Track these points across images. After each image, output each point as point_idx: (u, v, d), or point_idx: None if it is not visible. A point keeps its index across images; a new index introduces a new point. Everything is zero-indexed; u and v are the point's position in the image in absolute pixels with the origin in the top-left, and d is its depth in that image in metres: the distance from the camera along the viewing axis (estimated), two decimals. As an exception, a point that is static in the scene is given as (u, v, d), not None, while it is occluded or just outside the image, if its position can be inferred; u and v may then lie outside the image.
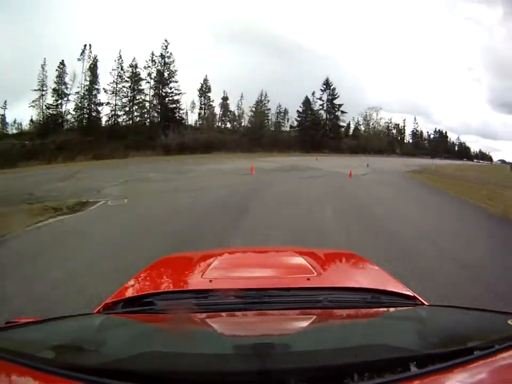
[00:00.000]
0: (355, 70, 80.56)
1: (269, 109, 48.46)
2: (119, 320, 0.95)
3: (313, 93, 48.70)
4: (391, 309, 0.98)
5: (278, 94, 50.92)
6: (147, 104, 40.86)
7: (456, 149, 76.60)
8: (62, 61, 35.94)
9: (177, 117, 41.94)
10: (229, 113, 48.84)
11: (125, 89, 39.56)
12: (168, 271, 1.44)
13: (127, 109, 39.79)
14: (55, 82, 35.83)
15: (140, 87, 40.35)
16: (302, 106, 49.06)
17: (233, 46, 71.29)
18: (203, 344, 0.73)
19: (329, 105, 49.84)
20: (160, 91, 40.96)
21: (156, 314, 0.95)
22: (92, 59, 37.10)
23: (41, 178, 13.70)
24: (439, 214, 7.67)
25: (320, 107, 49.93)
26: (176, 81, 41.41)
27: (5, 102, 35.09)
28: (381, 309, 0.97)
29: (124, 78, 39.42)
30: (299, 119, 49.51)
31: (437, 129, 73.37)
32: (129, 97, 39.78)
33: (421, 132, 65.08)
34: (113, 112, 39.24)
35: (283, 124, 50.78)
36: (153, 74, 40.66)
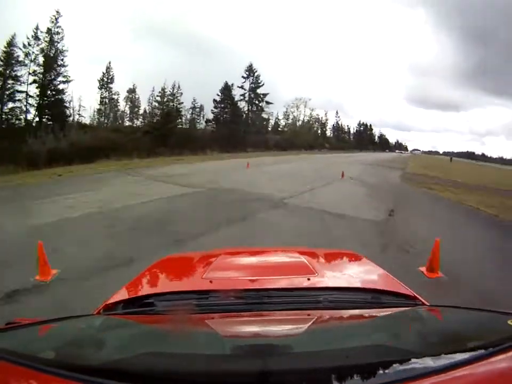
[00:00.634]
0: (275, 68, 77.94)
1: (182, 103, 37.46)
2: (119, 321, 0.94)
3: (231, 85, 39.44)
4: (392, 309, 0.98)
5: (195, 90, 41.48)
6: (21, 95, 26.09)
7: (377, 141, 79.37)
8: None
9: (63, 112, 28.22)
10: (136, 109, 37.41)
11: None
12: (168, 272, 1.41)
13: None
14: None
15: (15, 72, 25.54)
16: (220, 94, 38.92)
17: (152, 41, 62.06)
18: (203, 345, 0.74)
19: (253, 95, 40.94)
20: (43, 78, 26.59)
21: (156, 315, 0.95)
22: None
23: None
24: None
25: (242, 97, 40.73)
26: (64, 65, 27.56)
27: None
28: (381, 309, 0.97)
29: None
30: (216, 110, 39.33)
31: (361, 122, 74.29)
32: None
33: (342, 126, 64.76)
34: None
35: (198, 121, 40.85)
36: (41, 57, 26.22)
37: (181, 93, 36.61)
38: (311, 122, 52.84)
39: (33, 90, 26.48)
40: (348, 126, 67.98)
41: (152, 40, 63.32)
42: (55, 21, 26.89)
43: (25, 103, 26.50)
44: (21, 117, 26.78)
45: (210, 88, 42.92)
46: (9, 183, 11.51)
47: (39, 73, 26.43)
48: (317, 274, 1.15)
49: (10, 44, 25.27)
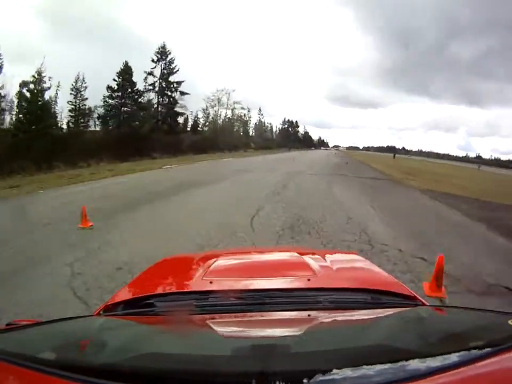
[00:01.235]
0: (194, 67, 74.93)
1: (87, 99, 27.06)
2: (119, 321, 0.95)
3: (146, 76, 30.01)
4: (392, 310, 0.97)
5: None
6: None
7: (302, 138, 79.06)
8: None
9: None
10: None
11: None
12: (168, 273, 1.42)
13: None
14: None
15: None
16: (118, 78, 28.58)
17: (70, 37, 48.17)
18: (203, 346, 0.74)
19: (164, 84, 32.37)
20: None
21: (157, 315, 0.96)
22: None
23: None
24: None
25: (151, 87, 31.74)
26: None
27: None
28: (381, 310, 0.97)
29: None
30: (111, 102, 28.68)
31: (286, 119, 71.96)
32: None
33: (265, 124, 63.74)
34: None
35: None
36: None
37: (85, 87, 26.61)
38: (235, 117, 46.63)
39: None
40: (270, 124, 67.03)
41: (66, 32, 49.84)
42: None
43: None
44: None
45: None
46: None
47: None
48: (317, 274, 1.15)
49: None
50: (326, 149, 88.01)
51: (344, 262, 1.53)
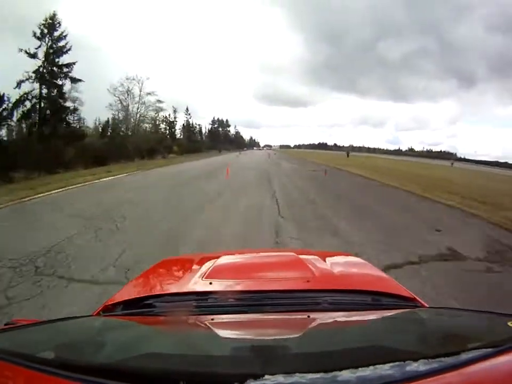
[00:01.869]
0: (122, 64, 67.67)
1: None
2: (118, 322, 0.94)
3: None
4: (391, 311, 0.98)
5: None
6: None
7: (233, 139, 74.76)
8: None
9: None
10: None
11: None
12: (168, 274, 1.41)
13: None
14: None
15: None
16: None
17: None
18: (202, 347, 0.74)
19: (49, 67, 23.23)
20: None
21: (156, 316, 0.95)
22: None
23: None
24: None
25: (29, 76, 22.07)
26: None
27: None
28: (381, 311, 0.97)
29: None
30: None
31: (216, 118, 66.46)
32: None
33: (193, 125, 59.95)
34: None
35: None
36: None
37: None
38: (160, 118, 38.63)
39: None
40: (199, 125, 64.53)
41: None
42: None
43: None
44: None
45: None
46: None
47: None
48: (316, 276, 1.14)
49: None
50: (260, 149, 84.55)
51: (344, 263, 1.51)
